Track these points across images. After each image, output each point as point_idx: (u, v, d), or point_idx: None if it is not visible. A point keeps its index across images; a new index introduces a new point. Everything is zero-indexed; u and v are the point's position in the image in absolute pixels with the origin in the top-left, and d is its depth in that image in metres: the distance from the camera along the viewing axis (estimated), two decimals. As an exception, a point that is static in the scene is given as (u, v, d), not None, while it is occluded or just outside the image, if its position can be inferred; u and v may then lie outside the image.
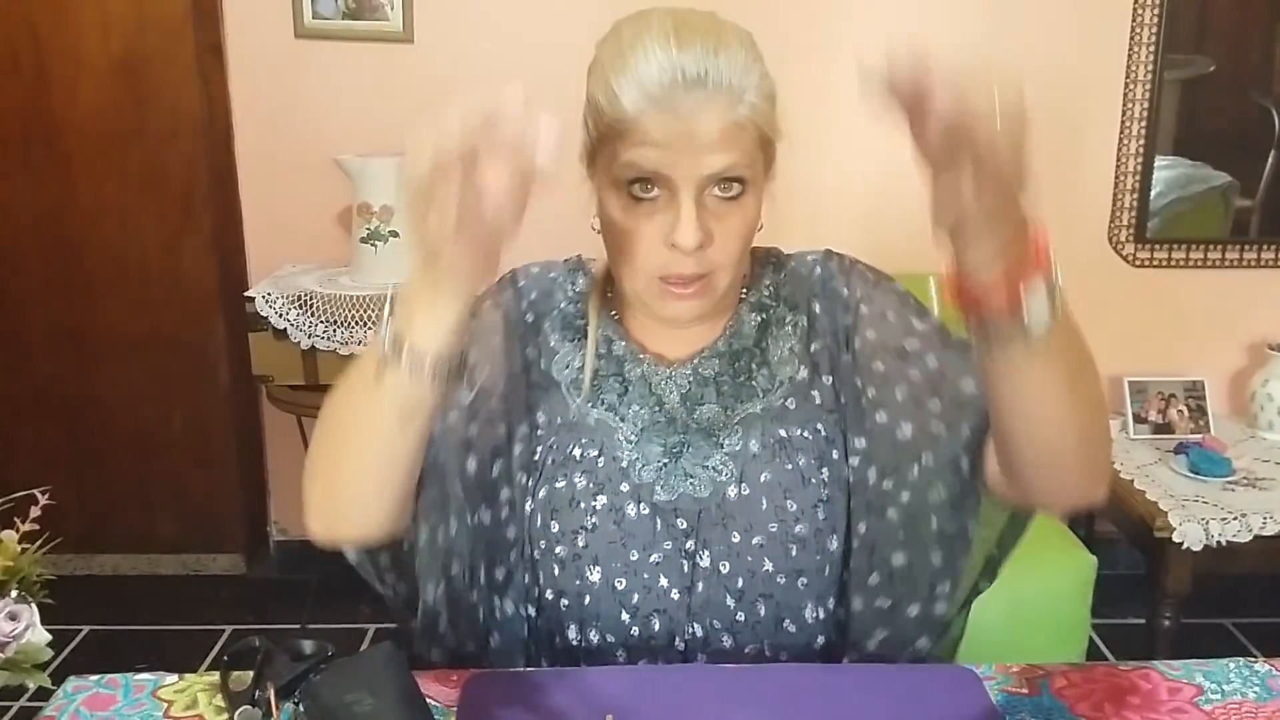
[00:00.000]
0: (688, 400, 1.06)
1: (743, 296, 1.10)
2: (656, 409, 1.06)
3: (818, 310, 1.10)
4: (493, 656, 1.08)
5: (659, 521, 1.03)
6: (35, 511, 0.86)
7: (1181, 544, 2.24)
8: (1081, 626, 2.20)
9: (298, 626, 2.58)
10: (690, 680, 0.98)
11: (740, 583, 1.02)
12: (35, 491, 0.86)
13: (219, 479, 2.97)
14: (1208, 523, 2.24)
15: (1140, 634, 2.42)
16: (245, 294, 2.50)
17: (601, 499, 1.03)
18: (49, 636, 0.89)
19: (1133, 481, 2.44)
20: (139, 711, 0.93)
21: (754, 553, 1.02)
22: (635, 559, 1.02)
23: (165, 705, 0.94)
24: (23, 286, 2.84)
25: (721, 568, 1.02)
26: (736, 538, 1.02)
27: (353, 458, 0.90)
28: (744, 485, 1.03)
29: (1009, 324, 0.76)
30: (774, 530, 1.02)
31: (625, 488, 1.03)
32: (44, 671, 0.90)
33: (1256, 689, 0.96)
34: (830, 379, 1.08)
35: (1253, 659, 1.01)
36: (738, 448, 1.04)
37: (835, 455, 1.05)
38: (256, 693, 0.91)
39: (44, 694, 0.95)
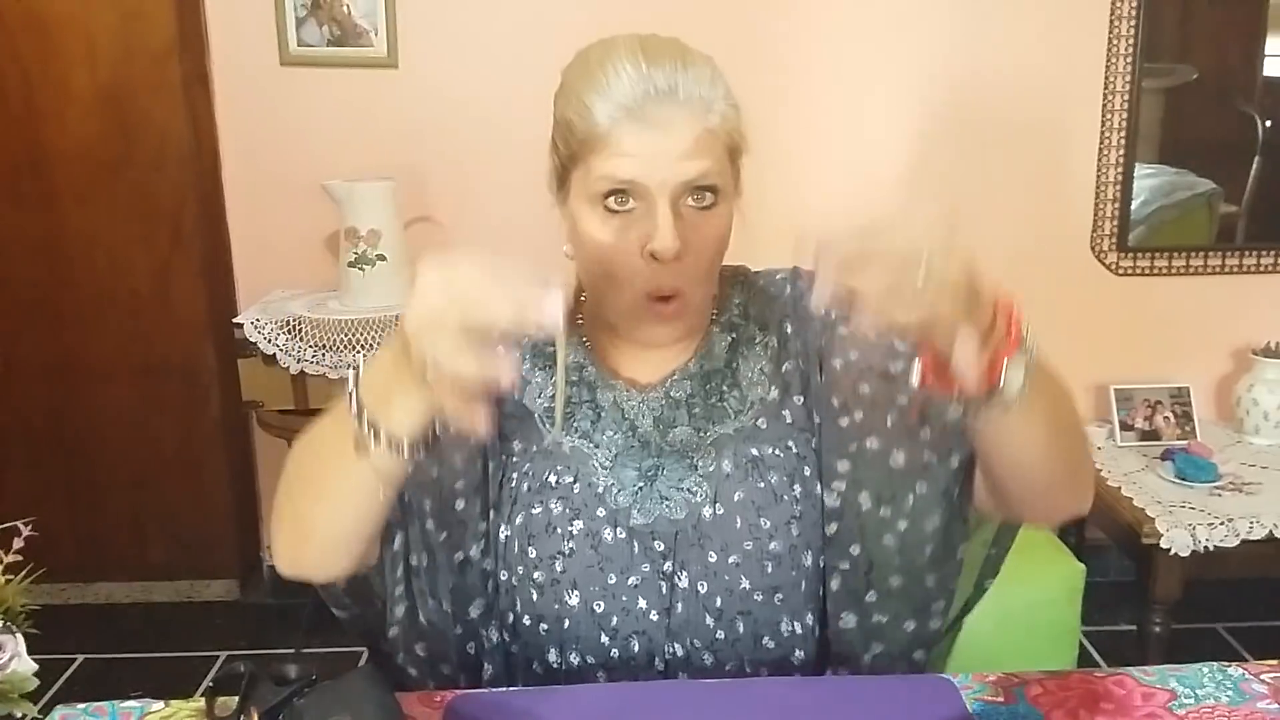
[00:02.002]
0: (660, 424, 1.07)
1: (714, 317, 1.11)
2: (630, 434, 1.07)
3: (789, 330, 1.11)
4: (485, 686, 1.08)
5: (636, 545, 1.03)
6: (18, 543, 0.87)
7: (1169, 550, 2.25)
8: (1072, 634, 2.20)
9: (292, 651, 2.59)
10: (671, 696, 0.98)
11: (719, 601, 1.03)
12: (18, 523, 0.87)
13: (211, 505, 2.97)
14: (1195, 528, 2.25)
15: (1132, 640, 2.43)
16: (234, 320, 2.52)
17: (578, 524, 1.03)
18: (35, 666, 0.89)
19: (1120, 488, 2.45)
20: (125, 739, 0.94)
21: (731, 571, 1.03)
22: (613, 582, 1.03)
23: (151, 732, 0.95)
24: (13, 316, 2.84)
25: (700, 588, 1.03)
26: (713, 557, 1.03)
27: (324, 511, 0.93)
28: (718, 505, 1.04)
29: (991, 397, 0.80)
30: (749, 548, 1.03)
31: (601, 512, 1.04)
32: (32, 701, 0.91)
33: (1230, 693, 0.97)
34: (802, 399, 1.09)
35: (1227, 664, 1.02)
36: (711, 468, 1.05)
37: (807, 472, 1.06)
38: (241, 717, 0.91)
39: (34, 724, 0.96)
